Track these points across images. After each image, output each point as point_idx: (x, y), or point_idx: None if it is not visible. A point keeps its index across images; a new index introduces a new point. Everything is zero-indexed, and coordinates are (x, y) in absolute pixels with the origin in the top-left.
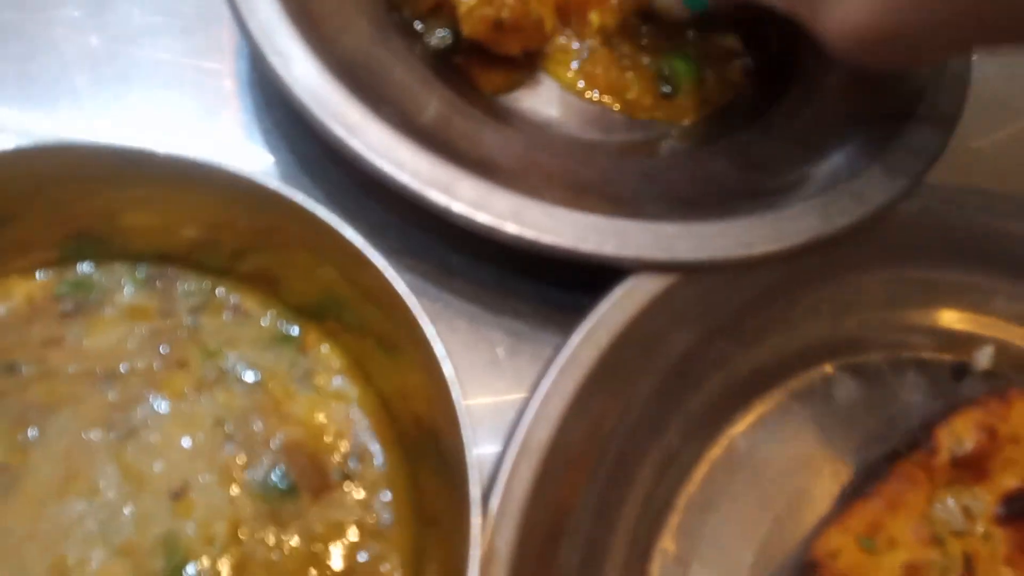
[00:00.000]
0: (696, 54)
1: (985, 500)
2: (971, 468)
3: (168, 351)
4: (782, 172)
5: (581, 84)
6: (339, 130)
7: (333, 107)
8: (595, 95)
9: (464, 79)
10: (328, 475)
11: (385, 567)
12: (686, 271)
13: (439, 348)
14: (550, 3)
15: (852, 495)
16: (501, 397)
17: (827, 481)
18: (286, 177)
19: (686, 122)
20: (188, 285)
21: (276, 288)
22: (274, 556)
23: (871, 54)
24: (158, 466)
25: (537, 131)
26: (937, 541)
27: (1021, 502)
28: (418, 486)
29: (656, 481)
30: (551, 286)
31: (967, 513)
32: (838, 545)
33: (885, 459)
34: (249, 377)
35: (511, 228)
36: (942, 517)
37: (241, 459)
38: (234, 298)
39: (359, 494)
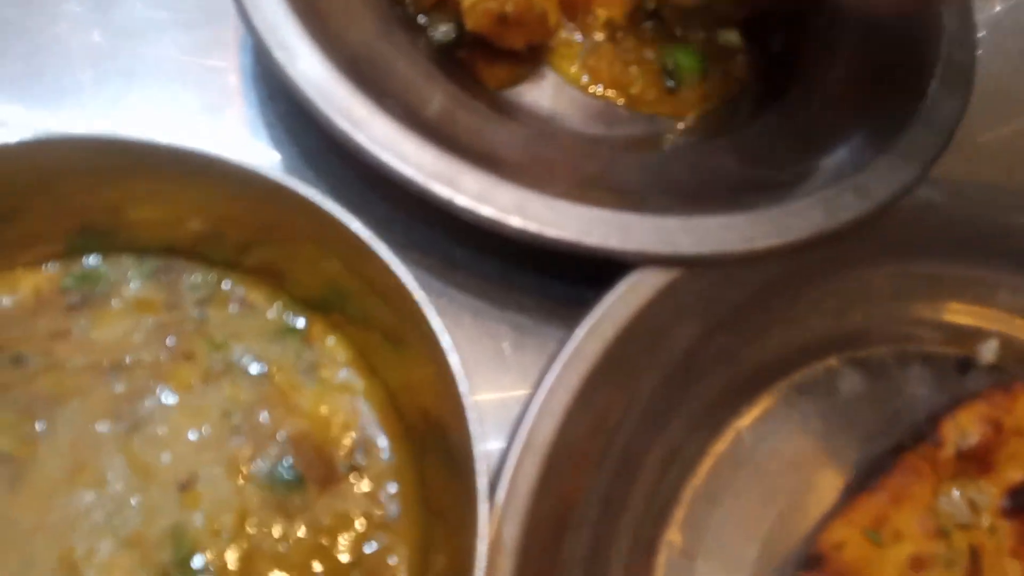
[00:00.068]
0: (700, 49)
1: (990, 493)
2: (976, 461)
3: (175, 343)
4: (786, 167)
5: (585, 78)
6: (344, 124)
7: (338, 101)
8: (599, 89)
9: (468, 73)
10: (335, 467)
11: (392, 559)
12: (690, 265)
13: (446, 341)
14: None
15: (857, 488)
16: (506, 393)
17: (832, 474)
18: (291, 171)
19: (690, 117)
20: (194, 278)
21: (282, 281)
22: (281, 548)
23: None
24: (165, 458)
25: (541, 125)
26: (942, 534)
27: None
28: (424, 478)
29: (661, 474)
30: (555, 280)
31: (972, 506)
32: (843, 538)
33: (890, 452)
34: (255, 369)
35: (515, 221)
36: (947, 510)
37: (248, 451)
38: (240, 290)
39: (366, 486)
